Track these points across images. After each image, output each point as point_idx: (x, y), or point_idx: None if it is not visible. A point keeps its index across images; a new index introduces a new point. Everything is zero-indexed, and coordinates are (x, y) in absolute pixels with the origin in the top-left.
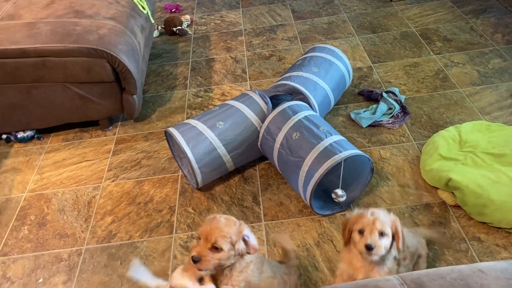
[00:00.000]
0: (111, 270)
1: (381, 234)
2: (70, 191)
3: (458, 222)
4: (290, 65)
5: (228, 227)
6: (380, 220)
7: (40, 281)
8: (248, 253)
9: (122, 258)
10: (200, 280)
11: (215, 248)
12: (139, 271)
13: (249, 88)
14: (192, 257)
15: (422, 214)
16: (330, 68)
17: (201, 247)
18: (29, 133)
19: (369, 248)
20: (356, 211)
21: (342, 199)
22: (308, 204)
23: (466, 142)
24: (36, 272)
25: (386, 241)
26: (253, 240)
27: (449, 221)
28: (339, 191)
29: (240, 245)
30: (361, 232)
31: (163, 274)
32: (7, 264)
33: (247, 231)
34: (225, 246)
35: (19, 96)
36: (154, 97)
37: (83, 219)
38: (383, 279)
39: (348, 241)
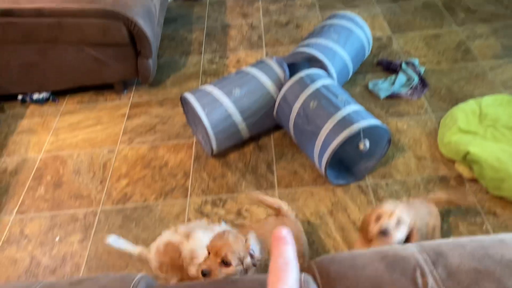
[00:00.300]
0: (126, 231)
1: (399, 222)
2: (85, 154)
3: (474, 196)
4: (308, 33)
5: (236, 244)
6: (401, 209)
7: (56, 239)
8: (254, 265)
9: (137, 220)
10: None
11: (225, 263)
12: (118, 241)
13: (264, 56)
14: (202, 270)
15: (438, 186)
16: (350, 36)
17: (211, 261)
18: (44, 94)
19: (384, 232)
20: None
21: (366, 150)
22: (323, 173)
23: (486, 115)
24: (53, 231)
25: (402, 231)
26: (257, 252)
27: (464, 194)
28: (361, 145)
29: (248, 260)
30: (378, 219)
31: None
32: (24, 222)
33: (253, 245)
34: (234, 261)
35: (34, 57)
36: (168, 63)
37: (99, 181)
38: (402, 247)
39: (365, 235)
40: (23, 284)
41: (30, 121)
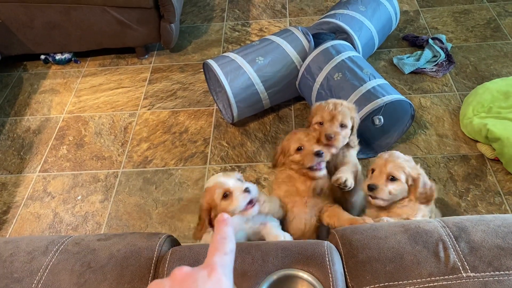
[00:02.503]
0: (146, 194)
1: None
2: (106, 116)
3: (494, 176)
4: (333, 3)
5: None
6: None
7: (78, 198)
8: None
9: (157, 183)
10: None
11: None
12: None
13: (288, 25)
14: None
15: (458, 165)
16: (378, 8)
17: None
18: (66, 55)
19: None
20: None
21: (379, 125)
22: None
23: None
24: (75, 190)
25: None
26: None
27: (485, 174)
28: (376, 119)
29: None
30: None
31: (195, 201)
32: (48, 180)
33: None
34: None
35: (58, 17)
36: (190, 28)
37: (120, 144)
38: (425, 220)
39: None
40: (53, 237)
41: (53, 81)
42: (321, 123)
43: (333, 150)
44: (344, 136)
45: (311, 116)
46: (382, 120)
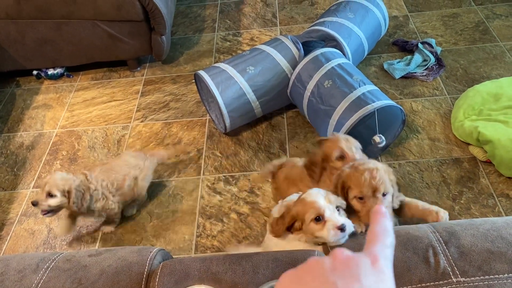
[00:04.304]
0: (140, 206)
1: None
2: (99, 129)
3: (487, 178)
4: (323, 11)
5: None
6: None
7: None
8: None
9: (150, 196)
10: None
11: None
12: None
13: (279, 34)
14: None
15: (451, 168)
16: (366, 15)
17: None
18: (59, 70)
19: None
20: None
21: (381, 145)
22: None
23: (502, 96)
24: None
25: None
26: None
27: (478, 176)
28: (377, 138)
29: None
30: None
31: (190, 213)
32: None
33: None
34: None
35: (49, 32)
36: (182, 39)
37: (113, 157)
38: (414, 226)
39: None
40: (44, 254)
41: (45, 96)
42: (361, 198)
43: None
44: (389, 206)
45: (340, 179)
46: (384, 138)
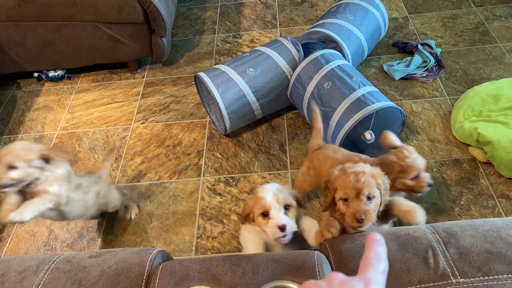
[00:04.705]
0: (141, 208)
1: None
2: (100, 131)
3: (487, 179)
4: (323, 13)
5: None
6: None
7: None
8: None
9: (151, 197)
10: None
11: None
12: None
13: (279, 35)
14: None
15: (451, 169)
16: (366, 16)
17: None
18: (59, 72)
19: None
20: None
21: (370, 142)
22: None
23: (502, 97)
24: None
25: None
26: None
27: (478, 177)
28: (367, 134)
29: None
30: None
31: (190, 214)
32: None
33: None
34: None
35: (50, 34)
36: (182, 41)
37: (114, 159)
38: (414, 227)
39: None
40: (44, 256)
41: (46, 98)
42: (345, 199)
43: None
44: (375, 209)
45: (329, 184)
46: (373, 135)
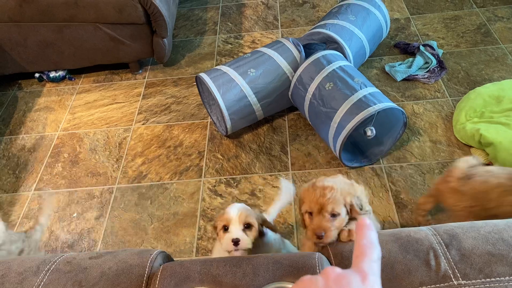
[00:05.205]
0: (141, 209)
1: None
2: (101, 132)
3: None
4: (324, 14)
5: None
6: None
7: (74, 215)
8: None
9: (152, 198)
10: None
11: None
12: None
13: (280, 36)
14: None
15: None
16: (368, 17)
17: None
18: (60, 73)
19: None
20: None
21: (371, 137)
22: (337, 155)
23: (504, 98)
24: (71, 207)
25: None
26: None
27: None
28: (368, 130)
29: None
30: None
31: (191, 215)
32: (43, 198)
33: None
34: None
35: (51, 35)
36: (183, 42)
37: (114, 159)
38: (415, 229)
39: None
40: (44, 257)
41: (47, 99)
42: (310, 214)
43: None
44: (338, 227)
45: (300, 200)
46: (374, 131)
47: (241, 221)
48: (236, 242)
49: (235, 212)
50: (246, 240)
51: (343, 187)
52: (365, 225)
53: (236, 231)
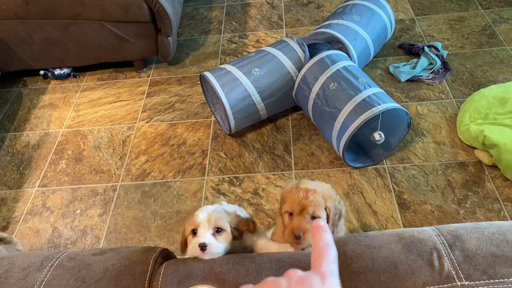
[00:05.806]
0: (144, 207)
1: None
2: (105, 130)
3: (493, 182)
4: (329, 14)
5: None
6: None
7: (77, 212)
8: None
9: (155, 196)
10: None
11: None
12: None
13: (284, 36)
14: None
15: (456, 172)
16: (372, 17)
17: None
18: (65, 70)
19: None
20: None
21: (380, 142)
22: (341, 155)
23: (508, 100)
24: (74, 204)
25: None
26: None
27: (483, 180)
28: (377, 135)
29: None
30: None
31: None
32: (47, 195)
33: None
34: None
35: (56, 32)
36: (188, 41)
37: (118, 157)
38: (419, 229)
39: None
40: (48, 253)
41: (52, 96)
42: (291, 214)
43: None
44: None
45: (281, 200)
46: (383, 136)
47: (211, 225)
48: (203, 247)
49: (205, 215)
50: (215, 245)
51: (325, 192)
52: (320, 227)
53: (204, 235)
